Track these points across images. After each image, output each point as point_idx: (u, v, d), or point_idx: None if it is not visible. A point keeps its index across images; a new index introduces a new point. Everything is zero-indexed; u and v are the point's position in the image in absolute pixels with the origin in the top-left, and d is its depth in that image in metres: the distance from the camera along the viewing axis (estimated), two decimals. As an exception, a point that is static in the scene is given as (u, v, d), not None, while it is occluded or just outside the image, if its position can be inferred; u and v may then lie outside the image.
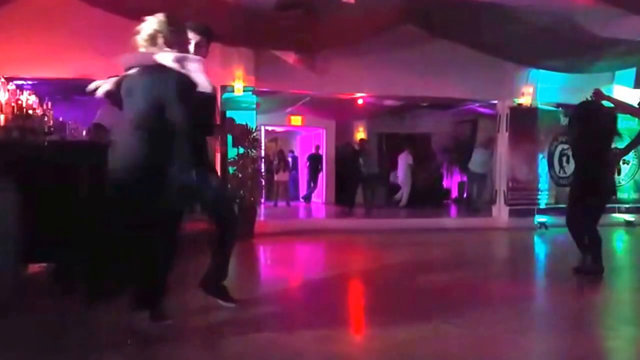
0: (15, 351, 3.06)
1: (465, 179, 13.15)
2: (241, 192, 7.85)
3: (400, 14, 7.33)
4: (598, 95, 5.10)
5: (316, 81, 8.72)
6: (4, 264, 3.83)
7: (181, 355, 3.06)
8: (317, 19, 7.10)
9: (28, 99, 6.24)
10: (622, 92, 9.27)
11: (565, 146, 9.77)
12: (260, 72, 8.28)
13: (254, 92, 8.35)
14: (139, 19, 3.18)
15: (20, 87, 6.64)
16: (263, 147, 10.07)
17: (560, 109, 9.84)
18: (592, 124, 5.10)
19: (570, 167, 9.85)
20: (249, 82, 8.26)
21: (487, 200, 11.38)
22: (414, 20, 7.66)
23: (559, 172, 9.96)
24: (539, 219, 9.62)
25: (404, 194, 13.12)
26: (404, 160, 13.18)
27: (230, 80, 8.16)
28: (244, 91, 8.22)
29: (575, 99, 5.93)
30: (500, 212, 9.80)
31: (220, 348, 3.14)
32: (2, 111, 5.39)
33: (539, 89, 9.72)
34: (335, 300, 4.29)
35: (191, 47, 3.54)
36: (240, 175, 7.98)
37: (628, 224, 10.04)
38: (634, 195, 10.58)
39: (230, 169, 7.99)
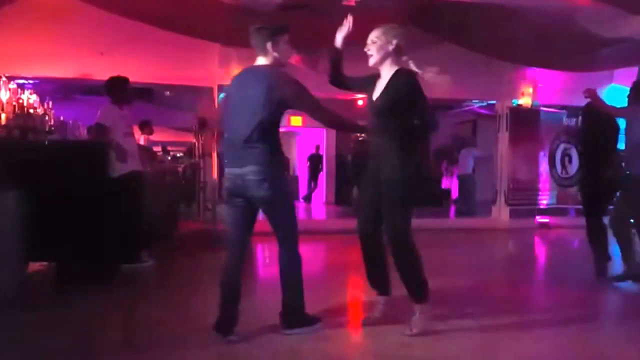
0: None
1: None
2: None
3: (400, 15, 7.32)
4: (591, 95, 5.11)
5: (317, 81, 8.67)
6: (7, 262, 3.84)
7: (182, 356, 3.07)
8: (319, 19, 7.09)
9: (29, 98, 6.25)
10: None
11: (568, 145, 9.75)
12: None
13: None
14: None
15: (21, 86, 6.65)
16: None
17: (563, 110, 9.83)
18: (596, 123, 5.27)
19: (572, 167, 9.86)
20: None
21: (478, 202, 11.35)
22: (414, 21, 7.65)
23: (561, 173, 9.94)
24: (541, 219, 9.61)
25: None
26: None
27: (228, 81, 8.11)
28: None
29: (575, 100, 5.94)
30: (501, 213, 9.78)
31: (220, 348, 3.14)
32: (3, 110, 5.40)
33: (539, 89, 9.70)
34: (334, 299, 4.29)
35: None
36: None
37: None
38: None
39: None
